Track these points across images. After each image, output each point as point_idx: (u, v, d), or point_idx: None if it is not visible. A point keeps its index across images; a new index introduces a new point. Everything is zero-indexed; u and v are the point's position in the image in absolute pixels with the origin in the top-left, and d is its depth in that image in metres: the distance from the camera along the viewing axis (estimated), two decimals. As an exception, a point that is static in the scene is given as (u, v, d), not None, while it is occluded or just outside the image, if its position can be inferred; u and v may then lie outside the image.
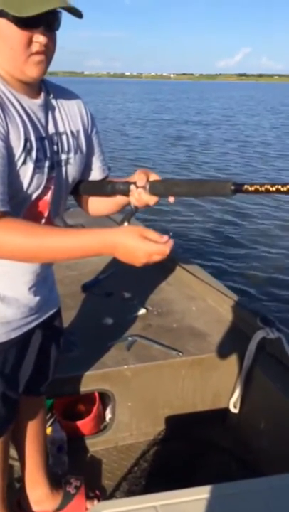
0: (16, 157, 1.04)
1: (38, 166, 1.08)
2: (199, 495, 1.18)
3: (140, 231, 1.00)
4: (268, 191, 0.97)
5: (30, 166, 1.06)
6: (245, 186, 1.00)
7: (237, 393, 2.03)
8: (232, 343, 2.10)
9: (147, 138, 17.08)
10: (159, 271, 2.80)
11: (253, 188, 0.99)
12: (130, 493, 1.80)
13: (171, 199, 1.13)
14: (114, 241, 1.00)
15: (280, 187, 0.96)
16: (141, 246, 0.99)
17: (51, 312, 1.40)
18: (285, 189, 0.95)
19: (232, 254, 5.88)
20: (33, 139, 1.07)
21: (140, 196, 1.14)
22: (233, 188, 1.02)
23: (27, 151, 1.06)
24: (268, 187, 0.97)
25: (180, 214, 7.47)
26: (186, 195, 1.13)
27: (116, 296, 2.51)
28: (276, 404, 1.84)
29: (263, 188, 0.97)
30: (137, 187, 1.14)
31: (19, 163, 1.04)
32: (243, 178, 10.27)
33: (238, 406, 2.04)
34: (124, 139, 16.40)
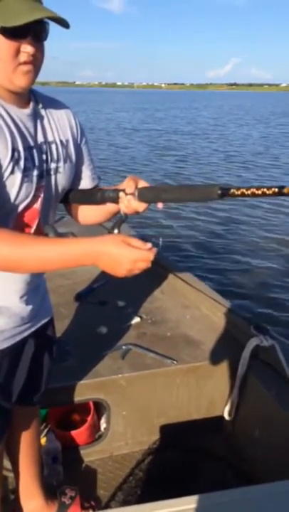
0: (4, 167, 1.04)
1: (26, 175, 1.09)
2: (194, 504, 1.18)
3: (123, 238, 1.01)
4: (254, 194, 0.98)
5: (18, 175, 1.07)
6: (232, 190, 1.01)
7: (231, 401, 2.03)
8: (226, 350, 2.11)
9: (135, 148, 16.97)
10: (153, 279, 2.81)
11: (239, 192, 1.00)
12: (125, 503, 1.80)
13: (160, 205, 1.14)
14: (97, 250, 1.00)
15: (265, 190, 0.98)
16: (125, 253, 0.99)
17: (44, 321, 1.41)
18: (270, 192, 0.97)
19: (225, 261, 5.91)
20: (21, 148, 1.08)
21: (129, 203, 1.15)
22: (220, 192, 1.03)
23: (15, 160, 1.06)
24: (254, 190, 0.98)
25: (172, 222, 7.50)
26: (174, 200, 1.14)
27: (110, 304, 2.51)
28: (270, 412, 1.85)
29: (249, 192, 0.99)
30: (126, 194, 1.15)
31: (7, 173, 1.05)
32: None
33: (232, 414, 2.04)
34: (111, 149, 16.25)
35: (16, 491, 1.65)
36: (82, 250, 1.01)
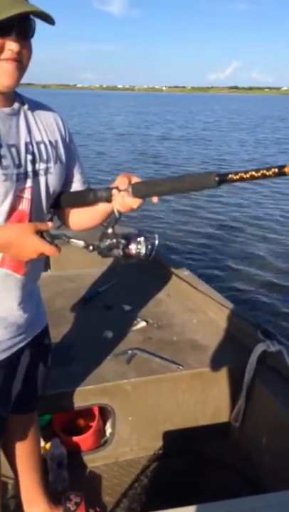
0: None
1: (4, 174, 1.07)
2: (201, 512, 1.16)
3: (34, 227, 1.04)
4: (253, 177, 0.94)
5: None
6: (230, 175, 0.97)
7: (238, 407, 2.00)
8: (233, 356, 2.08)
9: (112, 154, 16.05)
10: (159, 283, 2.80)
11: (238, 177, 0.96)
12: (131, 510, 1.78)
13: (155, 199, 1.11)
14: (9, 239, 1.04)
15: (265, 171, 0.93)
16: (34, 243, 1.03)
17: (39, 330, 1.39)
18: (270, 173, 0.92)
19: (232, 264, 5.87)
20: None
21: (123, 200, 1.12)
22: (217, 179, 0.99)
23: None
24: (253, 173, 0.94)
25: (176, 223, 7.48)
26: (170, 192, 1.10)
27: (116, 309, 2.50)
28: (278, 418, 1.82)
29: (248, 175, 0.94)
30: (120, 190, 1.12)
31: None
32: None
33: (239, 420, 2.02)
34: (90, 155, 15.42)
35: (18, 498, 1.64)
36: None
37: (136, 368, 1.97)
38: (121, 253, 1.11)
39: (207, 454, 2.01)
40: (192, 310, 2.52)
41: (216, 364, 2.02)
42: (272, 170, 0.91)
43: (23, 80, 1.12)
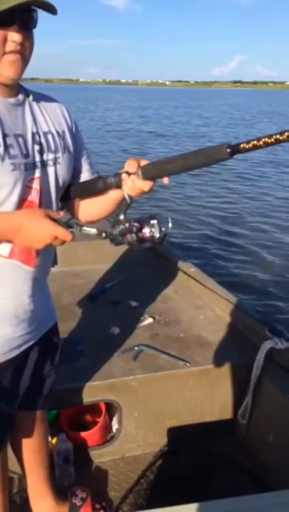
0: None
1: (12, 163, 1.06)
2: (207, 510, 1.15)
3: (45, 212, 1.03)
4: (266, 144, 0.90)
5: None
6: (242, 145, 0.93)
7: (245, 405, 2.00)
8: (240, 353, 2.07)
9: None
10: (166, 280, 2.79)
11: (250, 145, 0.91)
12: (137, 506, 1.78)
13: (166, 180, 1.09)
14: (19, 222, 1.02)
15: (278, 136, 0.88)
16: (47, 226, 1.01)
17: (49, 327, 1.39)
18: (284, 137, 0.87)
19: (240, 260, 5.84)
20: None
21: (134, 183, 1.09)
22: (229, 150, 0.94)
23: None
24: (266, 140, 0.89)
25: (184, 217, 7.43)
26: (181, 170, 1.06)
27: (123, 305, 2.50)
28: (285, 415, 1.81)
29: (261, 142, 0.90)
30: (129, 174, 1.09)
31: None
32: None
33: (246, 417, 2.01)
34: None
35: (26, 493, 1.64)
36: (6, 221, 1.03)
37: (143, 365, 1.97)
38: (134, 237, 1.09)
39: (213, 450, 2.01)
40: (199, 307, 2.51)
41: (223, 361, 2.01)
42: (286, 134, 0.87)
43: (27, 75, 1.11)
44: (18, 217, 1.04)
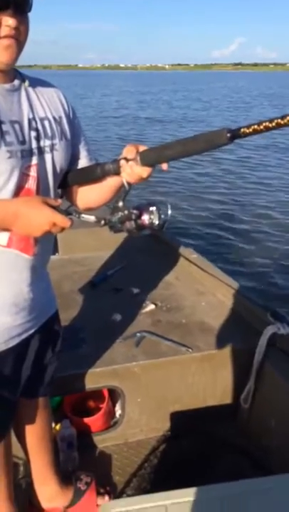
0: None
1: (8, 151, 1.04)
2: (209, 493, 1.17)
3: (42, 199, 1.01)
4: (267, 128, 0.88)
5: None
6: (242, 129, 0.91)
7: (247, 390, 2.00)
8: (242, 338, 2.08)
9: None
10: (167, 266, 2.79)
11: (250, 130, 0.90)
12: (141, 489, 1.80)
13: (165, 166, 1.07)
14: (16, 209, 1.00)
15: (279, 120, 0.87)
16: (45, 213, 0.99)
17: (49, 315, 1.39)
18: (285, 121, 0.86)
19: (242, 245, 5.83)
20: None
21: (132, 169, 1.07)
22: (229, 135, 0.93)
23: None
24: (267, 124, 0.88)
25: (185, 202, 7.40)
26: (180, 155, 1.04)
27: (125, 291, 2.49)
28: (287, 400, 1.82)
29: (261, 127, 0.89)
30: (128, 160, 1.07)
31: None
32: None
33: (248, 402, 2.02)
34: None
35: (30, 478, 1.66)
36: (4, 208, 1.01)
37: (145, 351, 1.98)
38: (133, 225, 1.08)
39: (216, 435, 2.03)
40: (201, 292, 2.51)
41: (225, 346, 2.01)
42: (287, 118, 0.86)
43: (24, 62, 1.09)
44: (15, 204, 1.03)
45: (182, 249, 2.89)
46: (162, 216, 1.09)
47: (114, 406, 2.08)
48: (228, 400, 2.09)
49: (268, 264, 5.33)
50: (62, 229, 1.02)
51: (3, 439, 1.30)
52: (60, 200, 1.06)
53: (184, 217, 6.73)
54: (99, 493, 1.75)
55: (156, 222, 1.08)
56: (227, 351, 2.01)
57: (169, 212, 1.10)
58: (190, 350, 1.97)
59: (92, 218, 1.11)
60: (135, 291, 2.49)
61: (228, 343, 2.03)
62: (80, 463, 1.89)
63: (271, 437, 1.92)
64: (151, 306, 2.33)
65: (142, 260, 2.87)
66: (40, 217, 1.00)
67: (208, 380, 2.03)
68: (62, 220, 1.00)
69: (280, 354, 1.96)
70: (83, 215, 1.12)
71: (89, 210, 1.30)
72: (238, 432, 2.06)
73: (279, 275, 5.03)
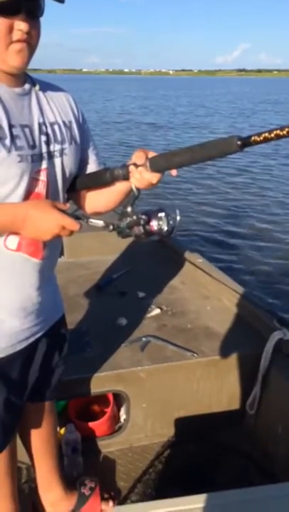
0: None
1: (18, 155, 1.04)
2: (214, 500, 1.15)
3: (51, 202, 1.02)
4: (278, 136, 0.87)
5: (3, 154, 1.02)
6: (253, 138, 0.90)
7: (253, 396, 1.99)
8: (248, 344, 2.06)
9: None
10: (173, 270, 2.78)
11: (261, 138, 0.89)
12: (145, 495, 1.79)
13: (174, 172, 1.07)
14: (25, 213, 1.01)
15: None
16: (55, 216, 1.00)
17: (56, 319, 1.39)
18: None
19: (248, 250, 5.81)
20: (5, 125, 1.03)
21: (142, 175, 1.07)
22: (239, 143, 0.92)
23: None
24: (278, 132, 0.87)
25: (190, 206, 7.39)
26: (190, 162, 1.03)
27: (130, 295, 2.49)
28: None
29: (272, 135, 0.87)
30: (137, 166, 1.07)
31: None
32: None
33: (254, 408, 2.01)
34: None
35: (34, 482, 1.66)
36: (13, 213, 1.02)
37: (150, 355, 1.97)
38: (142, 230, 1.08)
39: (221, 441, 2.01)
40: (206, 297, 2.50)
41: (230, 352, 2.00)
42: None
43: (29, 66, 1.09)
44: (25, 208, 1.03)
45: (188, 254, 2.88)
46: (171, 222, 1.08)
47: (119, 411, 2.07)
48: (233, 405, 2.08)
49: (274, 269, 5.31)
50: (71, 232, 1.02)
51: (9, 443, 1.30)
52: (68, 204, 1.07)
53: (189, 222, 6.72)
54: (103, 499, 1.74)
55: (165, 228, 1.08)
56: (233, 357, 2.00)
57: (178, 218, 1.10)
58: (195, 355, 1.96)
59: (100, 223, 1.11)
60: (141, 295, 2.48)
61: (233, 349, 2.02)
62: (84, 467, 1.89)
63: (277, 444, 1.90)
64: (157, 311, 2.33)
65: (147, 264, 2.86)
66: (49, 221, 1.00)
67: (213, 386, 2.02)
68: (71, 224, 1.00)
69: (286, 360, 1.94)
70: (91, 220, 1.12)
71: (96, 215, 1.31)
72: (243, 438, 2.04)
73: (285, 281, 5.00)
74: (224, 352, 2.00)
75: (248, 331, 2.16)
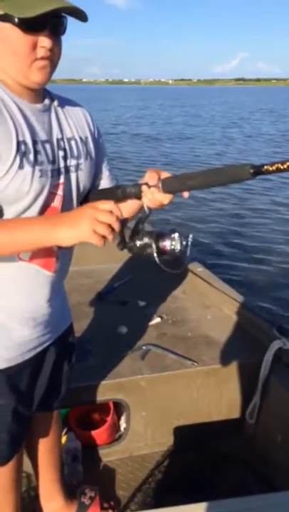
0: (10, 161, 1.01)
1: (39, 170, 1.07)
2: (214, 509, 1.16)
3: (88, 204, 1.02)
4: None
5: (28, 169, 1.04)
6: (266, 167, 0.92)
7: (253, 404, 2.00)
8: (248, 353, 2.07)
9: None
10: (173, 279, 2.80)
11: (274, 168, 0.90)
12: (145, 504, 1.79)
13: (186, 194, 1.08)
14: (56, 216, 1.05)
15: None
16: (86, 210, 0.96)
17: (64, 328, 1.40)
18: None
19: (248, 260, 5.82)
20: (29, 141, 1.05)
21: (154, 196, 1.08)
22: (252, 171, 0.94)
23: (22, 153, 1.03)
24: None
25: (192, 218, 7.42)
26: (202, 186, 1.05)
27: (131, 304, 2.50)
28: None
29: (285, 166, 0.89)
30: (150, 186, 1.08)
31: (15, 167, 1.02)
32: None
33: (254, 417, 2.01)
34: None
35: (36, 490, 1.66)
36: (47, 218, 1.05)
37: (150, 364, 1.98)
38: (155, 250, 1.09)
39: (221, 450, 2.01)
40: (207, 306, 2.51)
41: (230, 361, 2.01)
42: None
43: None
44: (52, 216, 1.08)
45: (188, 263, 2.90)
46: (184, 243, 1.10)
47: (119, 419, 2.07)
48: (233, 414, 2.08)
49: (274, 278, 5.32)
50: (110, 214, 0.96)
51: (17, 454, 1.30)
52: None
53: (190, 231, 6.74)
54: (103, 508, 1.73)
55: (178, 248, 1.10)
56: (233, 365, 2.01)
57: (191, 240, 1.11)
58: (195, 364, 1.97)
59: (116, 240, 1.12)
60: (141, 303, 2.50)
61: (233, 358, 2.03)
62: (84, 476, 1.89)
63: (277, 452, 1.90)
64: (157, 319, 2.34)
65: (148, 273, 2.87)
66: (83, 208, 0.98)
67: (213, 394, 2.03)
68: (104, 203, 0.97)
69: (286, 369, 1.95)
70: None
71: None
72: (243, 447, 2.04)
73: (285, 290, 5.01)
74: (224, 361, 2.01)
75: (248, 339, 2.17)
